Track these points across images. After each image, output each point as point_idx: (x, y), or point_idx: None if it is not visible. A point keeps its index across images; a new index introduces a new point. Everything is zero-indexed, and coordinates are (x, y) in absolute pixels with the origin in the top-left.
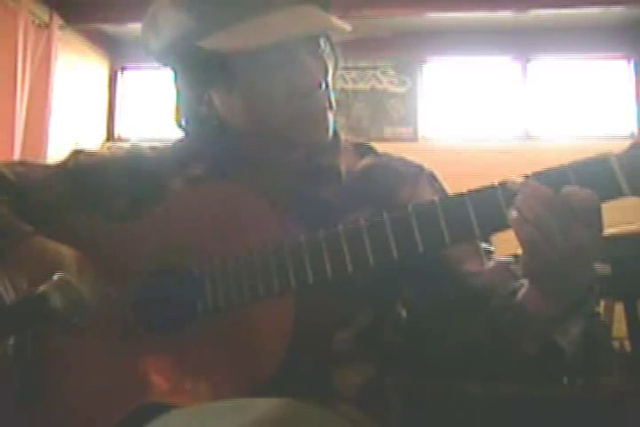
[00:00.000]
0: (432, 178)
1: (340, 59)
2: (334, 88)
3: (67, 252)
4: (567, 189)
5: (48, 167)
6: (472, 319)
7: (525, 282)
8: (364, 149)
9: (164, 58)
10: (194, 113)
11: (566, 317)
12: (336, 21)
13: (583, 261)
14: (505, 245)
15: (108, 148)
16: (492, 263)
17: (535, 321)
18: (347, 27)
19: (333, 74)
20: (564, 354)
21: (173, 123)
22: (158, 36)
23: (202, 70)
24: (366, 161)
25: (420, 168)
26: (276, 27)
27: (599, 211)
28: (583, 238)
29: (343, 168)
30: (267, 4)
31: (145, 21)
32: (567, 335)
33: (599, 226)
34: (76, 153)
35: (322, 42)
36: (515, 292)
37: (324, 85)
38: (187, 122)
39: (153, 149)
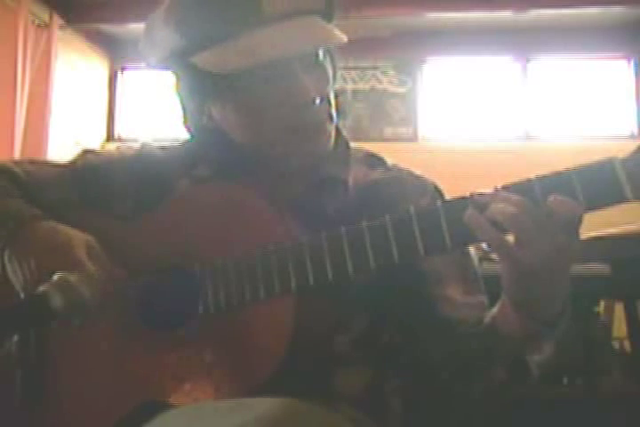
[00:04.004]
0: (437, 193)
1: (338, 68)
2: (336, 97)
3: (76, 234)
4: (553, 198)
5: (57, 166)
6: (443, 341)
7: (494, 308)
8: (374, 161)
9: (163, 69)
10: (197, 122)
11: (540, 335)
12: (330, 34)
13: (563, 263)
14: None
15: (118, 147)
16: (475, 298)
17: (507, 342)
18: (343, 38)
19: (333, 83)
20: (530, 377)
21: (183, 126)
22: (153, 50)
23: (197, 84)
24: (375, 175)
25: (426, 183)
26: (265, 45)
27: (581, 221)
28: (564, 243)
29: (351, 180)
30: (258, 18)
31: (143, 34)
32: (541, 352)
33: (578, 234)
34: (85, 153)
35: (320, 52)
36: (481, 320)
37: (318, 100)
38: (193, 128)
39: (162, 149)
